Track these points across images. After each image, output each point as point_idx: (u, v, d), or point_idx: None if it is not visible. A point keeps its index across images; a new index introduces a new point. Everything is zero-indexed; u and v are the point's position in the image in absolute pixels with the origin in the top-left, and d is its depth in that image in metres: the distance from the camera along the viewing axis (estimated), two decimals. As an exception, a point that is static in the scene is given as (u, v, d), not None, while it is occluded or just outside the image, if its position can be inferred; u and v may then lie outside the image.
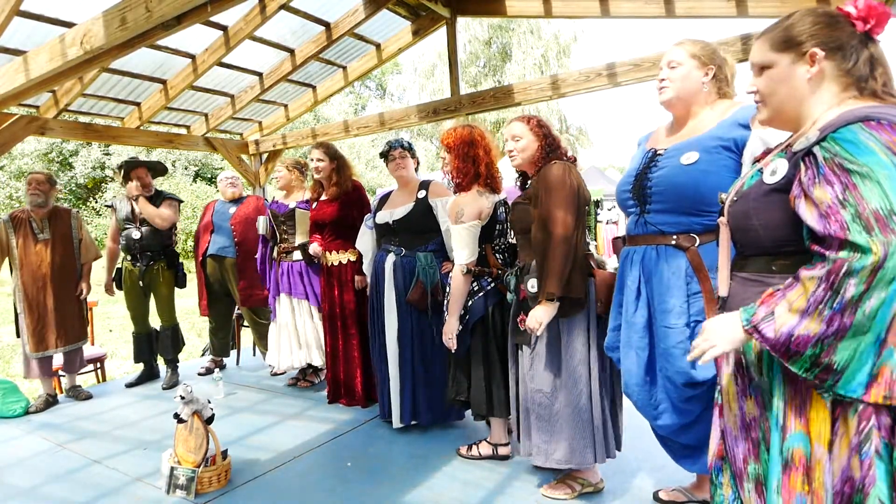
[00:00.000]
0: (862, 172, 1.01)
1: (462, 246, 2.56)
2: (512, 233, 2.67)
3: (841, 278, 1.00)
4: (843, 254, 1.00)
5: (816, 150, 1.08)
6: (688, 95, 1.86)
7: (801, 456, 1.11)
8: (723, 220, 1.34)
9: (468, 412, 3.09)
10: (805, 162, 1.10)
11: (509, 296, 2.42)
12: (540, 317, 2.10)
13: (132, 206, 4.06)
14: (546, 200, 2.13)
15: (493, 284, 2.58)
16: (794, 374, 1.14)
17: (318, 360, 3.80)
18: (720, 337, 1.20)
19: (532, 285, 2.15)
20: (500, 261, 2.62)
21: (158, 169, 4.27)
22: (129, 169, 4.07)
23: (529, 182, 2.40)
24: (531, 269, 2.19)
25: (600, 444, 2.19)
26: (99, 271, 4.22)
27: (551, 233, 2.09)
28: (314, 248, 3.50)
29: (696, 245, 1.80)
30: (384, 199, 3.19)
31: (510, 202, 2.72)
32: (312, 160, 3.51)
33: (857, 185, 1.01)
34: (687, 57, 1.85)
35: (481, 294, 2.57)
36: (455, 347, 2.59)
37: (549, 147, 2.27)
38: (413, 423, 3.03)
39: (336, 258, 3.49)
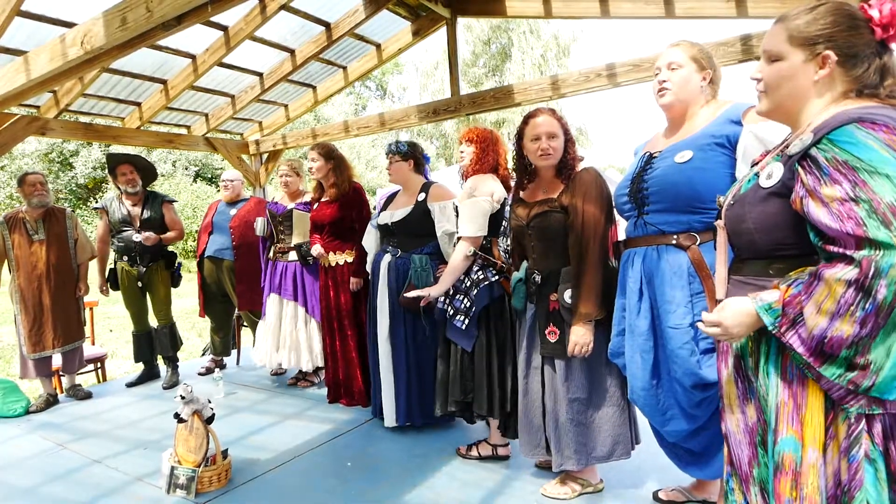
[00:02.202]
0: (868, 169, 1.00)
1: (469, 219, 2.50)
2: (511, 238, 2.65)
3: (871, 280, 0.97)
4: (865, 252, 0.98)
5: (814, 152, 1.07)
6: (687, 98, 1.86)
7: (791, 461, 1.11)
8: (720, 222, 1.34)
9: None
10: (803, 165, 1.09)
11: (516, 301, 2.31)
12: (584, 340, 2.05)
13: (128, 210, 4.06)
14: (585, 216, 2.06)
15: (497, 277, 2.55)
16: (788, 379, 1.13)
17: (293, 363, 3.80)
18: (735, 326, 1.18)
19: (569, 296, 2.08)
20: (503, 258, 2.60)
21: (142, 166, 4.17)
22: (114, 165, 4.08)
23: (532, 183, 2.34)
24: (563, 279, 2.11)
25: (634, 436, 2.22)
26: (92, 272, 4.21)
27: (587, 252, 2.04)
28: (317, 249, 3.50)
29: (697, 243, 1.80)
30: (390, 199, 3.19)
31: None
32: (308, 160, 3.52)
33: (866, 181, 1.00)
34: (687, 59, 1.85)
35: (486, 283, 2.54)
36: (411, 299, 2.60)
37: (572, 148, 2.22)
38: (407, 423, 3.03)
39: (334, 259, 3.49)
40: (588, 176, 2.14)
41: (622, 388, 2.16)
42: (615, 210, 2.10)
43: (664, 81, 1.86)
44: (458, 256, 2.57)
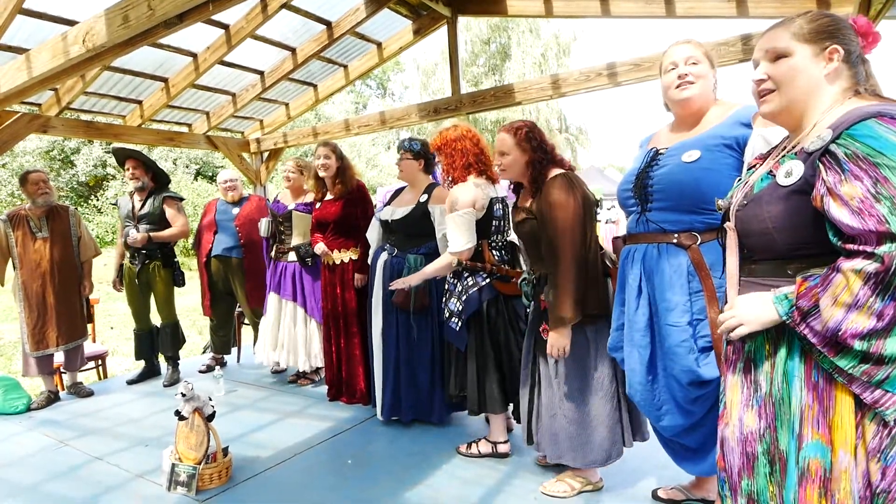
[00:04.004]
0: (889, 164, 1.00)
1: (458, 233, 2.52)
2: (511, 232, 2.68)
3: (891, 275, 0.98)
4: (886, 248, 0.98)
5: (834, 148, 1.07)
6: (705, 94, 1.85)
7: (818, 467, 1.08)
8: (730, 224, 1.31)
9: (454, 414, 3.12)
10: (824, 162, 1.09)
11: (525, 301, 2.36)
12: (559, 344, 2.10)
13: (132, 205, 4.07)
14: (552, 224, 2.08)
15: (487, 280, 2.57)
16: (813, 381, 1.11)
17: (290, 363, 3.85)
18: (749, 315, 1.18)
19: (551, 296, 2.12)
20: (496, 257, 2.61)
21: (147, 164, 4.16)
22: (120, 159, 4.14)
23: (521, 192, 2.36)
24: (547, 282, 2.17)
25: (628, 437, 2.22)
26: (100, 269, 4.24)
27: (559, 259, 2.06)
28: (321, 247, 3.50)
29: (698, 243, 1.80)
30: (395, 195, 3.20)
31: (508, 202, 2.72)
32: (319, 158, 3.51)
33: (887, 177, 1.00)
34: (703, 57, 1.84)
35: (476, 289, 2.57)
36: (402, 298, 2.66)
37: (540, 160, 2.20)
38: (394, 418, 3.08)
39: (338, 257, 3.49)
40: (555, 185, 2.13)
41: (617, 397, 2.18)
42: (618, 205, 2.10)
43: (686, 75, 1.82)
44: (441, 263, 2.60)
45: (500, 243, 2.67)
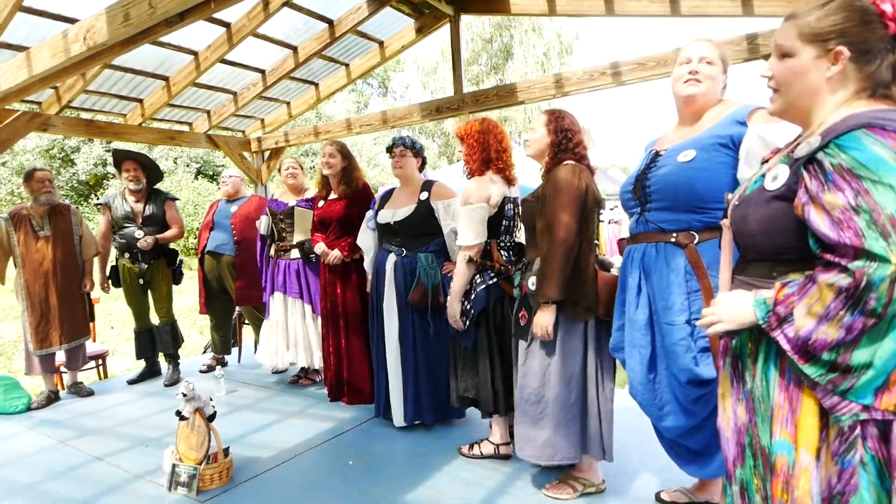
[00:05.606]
0: (873, 178, 0.98)
1: (467, 227, 2.52)
2: (518, 231, 2.68)
3: (861, 291, 0.98)
4: (859, 263, 0.98)
5: (821, 156, 1.06)
6: (712, 95, 1.87)
7: (783, 464, 1.11)
8: (725, 222, 1.33)
9: (467, 410, 3.08)
10: (809, 170, 1.08)
11: (515, 291, 2.42)
12: (544, 323, 2.12)
13: (131, 207, 4.06)
14: (551, 203, 2.14)
15: (495, 279, 2.57)
16: (786, 382, 1.13)
17: (304, 361, 3.82)
18: (729, 314, 1.18)
19: (532, 282, 2.17)
20: (504, 258, 2.60)
21: (146, 164, 4.20)
22: (119, 161, 4.12)
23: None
24: (532, 266, 2.22)
25: (594, 443, 2.19)
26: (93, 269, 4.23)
27: (553, 237, 2.10)
28: (321, 247, 3.48)
29: (695, 242, 1.81)
30: (386, 198, 3.18)
31: (520, 201, 2.72)
32: (324, 156, 3.49)
33: (869, 190, 0.98)
34: (717, 58, 1.85)
35: (483, 287, 2.56)
36: (462, 328, 2.59)
37: (560, 146, 2.25)
38: (416, 422, 3.04)
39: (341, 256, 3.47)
40: (562, 169, 2.19)
41: (583, 398, 2.17)
42: (621, 206, 2.11)
43: (696, 73, 1.84)
44: (460, 266, 2.60)
45: (508, 244, 2.66)
